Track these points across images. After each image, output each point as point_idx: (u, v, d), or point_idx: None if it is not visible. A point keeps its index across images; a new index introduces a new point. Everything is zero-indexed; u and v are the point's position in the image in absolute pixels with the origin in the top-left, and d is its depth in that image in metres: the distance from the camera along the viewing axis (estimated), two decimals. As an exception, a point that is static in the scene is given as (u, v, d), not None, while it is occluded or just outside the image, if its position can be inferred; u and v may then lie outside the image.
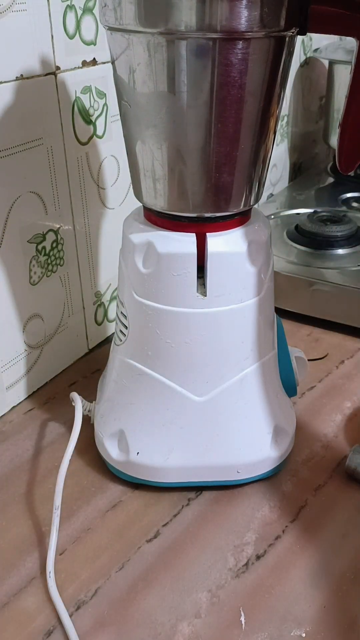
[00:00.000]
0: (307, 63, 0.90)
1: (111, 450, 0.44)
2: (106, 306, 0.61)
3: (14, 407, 0.53)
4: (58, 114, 0.49)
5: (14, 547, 0.41)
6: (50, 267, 0.52)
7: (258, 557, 0.40)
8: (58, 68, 0.48)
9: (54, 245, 0.52)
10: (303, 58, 0.88)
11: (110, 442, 0.45)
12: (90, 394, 0.50)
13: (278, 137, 0.87)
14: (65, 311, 0.56)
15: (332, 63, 0.88)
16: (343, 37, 0.83)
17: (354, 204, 0.82)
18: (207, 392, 0.42)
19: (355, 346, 0.61)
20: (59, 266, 0.53)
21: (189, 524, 0.42)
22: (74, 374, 0.58)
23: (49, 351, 0.55)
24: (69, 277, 0.55)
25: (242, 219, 0.40)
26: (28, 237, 0.49)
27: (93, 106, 0.52)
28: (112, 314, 0.63)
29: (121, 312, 0.43)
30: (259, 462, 0.44)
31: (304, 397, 0.54)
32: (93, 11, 0.49)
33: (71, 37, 0.48)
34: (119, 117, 0.39)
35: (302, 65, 0.88)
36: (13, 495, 0.45)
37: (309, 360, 0.56)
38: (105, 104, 0.53)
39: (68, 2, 0.47)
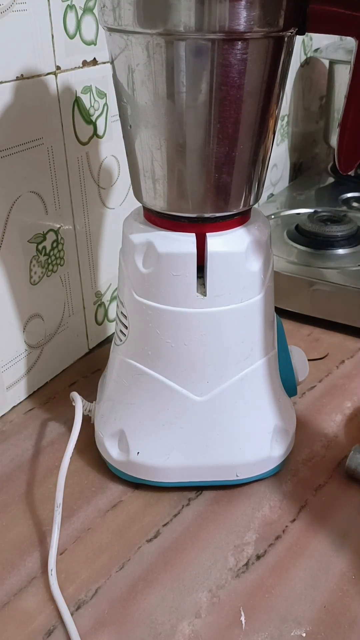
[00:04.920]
0: (308, 63, 0.90)
1: (111, 450, 0.44)
2: (106, 306, 0.61)
3: (14, 407, 0.53)
4: (58, 114, 0.49)
5: (14, 546, 0.41)
6: (50, 267, 0.52)
7: (258, 557, 0.40)
8: (58, 68, 0.48)
9: (54, 245, 0.52)
10: (303, 58, 0.88)
11: (111, 442, 0.45)
12: (90, 394, 0.50)
13: (278, 137, 0.87)
14: (65, 311, 0.56)
15: (332, 63, 0.88)
16: (343, 37, 0.83)
17: (354, 204, 0.82)
18: (207, 392, 0.42)
19: (355, 346, 0.61)
20: (59, 266, 0.53)
21: (189, 524, 0.42)
22: (74, 374, 0.58)
23: (49, 351, 0.55)
24: (69, 277, 0.55)
25: (241, 218, 0.40)
26: (28, 237, 0.49)
27: (93, 106, 0.52)
28: (112, 313, 0.63)
29: (121, 312, 0.43)
30: (259, 462, 0.44)
31: (304, 397, 0.54)
32: (93, 11, 0.49)
33: (71, 37, 0.48)
34: (119, 117, 0.39)
35: (302, 65, 0.88)
36: (13, 495, 0.45)
37: (309, 360, 0.56)
38: (106, 103, 0.53)
39: (68, 2, 0.47)
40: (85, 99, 0.51)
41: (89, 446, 0.48)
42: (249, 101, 0.34)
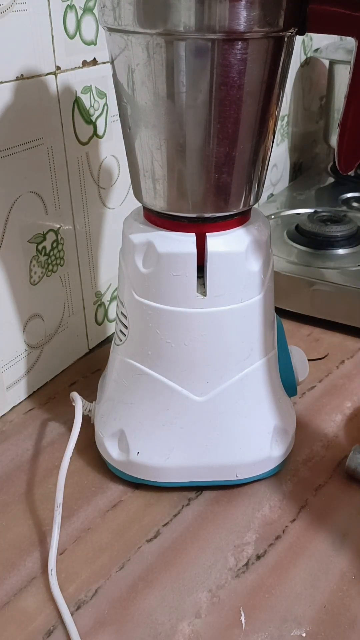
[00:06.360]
0: (308, 63, 0.90)
1: (111, 450, 0.44)
2: (106, 306, 0.61)
3: (14, 407, 0.53)
4: (58, 114, 0.49)
5: (15, 546, 0.41)
6: (50, 267, 0.52)
7: (258, 557, 0.40)
8: (58, 68, 0.48)
9: (54, 245, 0.52)
10: (303, 58, 0.88)
11: (111, 442, 0.45)
12: (90, 394, 0.50)
13: (278, 137, 0.87)
14: (65, 311, 0.56)
15: (332, 63, 0.88)
16: (343, 37, 0.83)
17: (354, 204, 0.82)
18: (207, 392, 0.42)
19: (355, 346, 0.61)
20: (59, 266, 0.53)
21: (189, 524, 0.42)
22: (74, 374, 0.58)
23: (49, 351, 0.55)
24: (69, 277, 0.55)
25: (242, 219, 0.40)
26: (28, 237, 0.49)
27: (93, 106, 0.52)
28: (112, 313, 0.63)
29: (121, 312, 0.43)
30: (259, 462, 0.44)
31: (304, 397, 0.54)
32: (93, 11, 0.49)
33: (71, 37, 0.48)
34: (119, 117, 0.39)
35: (302, 65, 0.88)
36: (13, 495, 0.45)
37: (309, 360, 0.56)
38: (106, 103, 0.53)
39: (68, 2, 0.47)
40: (85, 99, 0.51)
41: (89, 446, 0.48)
42: (249, 101, 0.34)
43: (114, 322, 0.51)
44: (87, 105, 0.51)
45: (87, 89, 0.51)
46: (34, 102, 0.46)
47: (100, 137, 0.54)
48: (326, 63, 0.92)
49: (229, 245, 0.39)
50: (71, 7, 0.47)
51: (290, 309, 0.65)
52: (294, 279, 0.64)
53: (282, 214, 0.78)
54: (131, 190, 0.41)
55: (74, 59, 0.49)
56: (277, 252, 0.68)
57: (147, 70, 0.33)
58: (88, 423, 0.47)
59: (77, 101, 0.50)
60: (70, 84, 0.49)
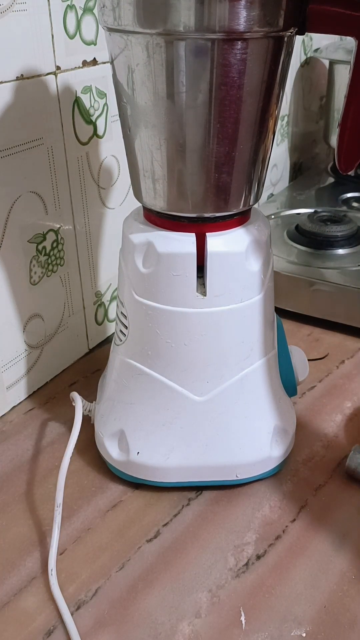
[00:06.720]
0: (308, 63, 0.90)
1: (111, 450, 0.44)
2: (106, 306, 0.61)
3: (14, 407, 0.53)
4: (58, 114, 0.49)
5: (15, 546, 0.41)
6: (50, 267, 0.52)
7: (258, 557, 0.40)
8: (58, 68, 0.48)
9: (54, 245, 0.52)
10: (303, 58, 0.88)
11: (111, 442, 0.45)
12: (90, 394, 0.50)
13: (278, 137, 0.87)
14: (65, 311, 0.56)
15: (332, 63, 0.88)
16: (343, 37, 0.83)
17: (354, 204, 0.82)
18: (207, 392, 0.42)
19: (355, 346, 0.61)
20: (59, 266, 0.53)
21: (189, 523, 0.42)
22: (74, 374, 0.58)
23: (49, 351, 0.55)
24: (69, 277, 0.55)
25: (241, 218, 0.40)
26: (28, 237, 0.49)
27: (93, 106, 0.52)
28: (112, 313, 0.63)
29: (121, 312, 0.43)
30: (259, 462, 0.44)
31: (304, 397, 0.54)
32: (93, 11, 0.49)
33: (71, 37, 0.48)
34: (119, 117, 0.39)
35: (302, 65, 0.88)
36: (13, 495, 0.45)
37: (309, 360, 0.56)
38: (106, 103, 0.53)
39: (68, 2, 0.47)
40: (85, 99, 0.51)
41: (89, 446, 0.48)
42: (249, 101, 0.34)
43: (114, 322, 0.51)
44: (87, 105, 0.51)
45: (87, 89, 0.51)
46: (34, 102, 0.46)
47: (100, 137, 0.54)
48: (326, 63, 0.92)
49: (229, 245, 0.39)
50: (71, 7, 0.47)
51: (290, 309, 0.65)
52: (294, 279, 0.64)
53: (282, 214, 0.78)
54: (131, 190, 0.41)
55: (74, 59, 0.49)
56: (278, 252, 0.68)
57: (147, 70, 0.33)
58: (88, 423, 0.47)
59: (77, 101, 0.50)
60: (70, 84, 0.49)
